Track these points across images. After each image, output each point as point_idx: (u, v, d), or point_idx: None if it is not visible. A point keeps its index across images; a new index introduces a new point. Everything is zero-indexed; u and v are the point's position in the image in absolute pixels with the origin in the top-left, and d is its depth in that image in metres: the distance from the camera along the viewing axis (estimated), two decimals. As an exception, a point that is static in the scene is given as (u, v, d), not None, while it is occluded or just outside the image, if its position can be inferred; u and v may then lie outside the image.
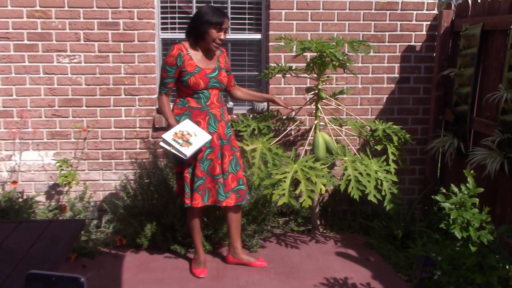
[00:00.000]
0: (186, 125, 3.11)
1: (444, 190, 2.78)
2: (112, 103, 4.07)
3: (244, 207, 3.65)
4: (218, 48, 3.21)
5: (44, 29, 3.91)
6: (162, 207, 3.64)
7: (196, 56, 3.15)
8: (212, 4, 4.06)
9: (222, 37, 3.12)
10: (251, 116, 4.11)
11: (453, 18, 4.04)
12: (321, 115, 3.86)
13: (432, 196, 2.97)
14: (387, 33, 4.17)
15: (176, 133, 3.06)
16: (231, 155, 3.25)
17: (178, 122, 3.16)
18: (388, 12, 4.13)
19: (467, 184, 2.73)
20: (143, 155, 4.12)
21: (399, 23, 4.16)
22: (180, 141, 3.04)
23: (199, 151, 3.12)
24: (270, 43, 4.08)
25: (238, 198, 3.28)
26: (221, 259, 3.56)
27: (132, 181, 3.91)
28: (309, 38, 4.07)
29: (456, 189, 2.75)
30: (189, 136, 3.06)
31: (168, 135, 3.06)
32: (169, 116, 3.17)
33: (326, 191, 4.18)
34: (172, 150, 3.06)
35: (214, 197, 3.24)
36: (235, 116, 4.11)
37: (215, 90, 3.21)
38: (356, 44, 3.59)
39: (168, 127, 3.22)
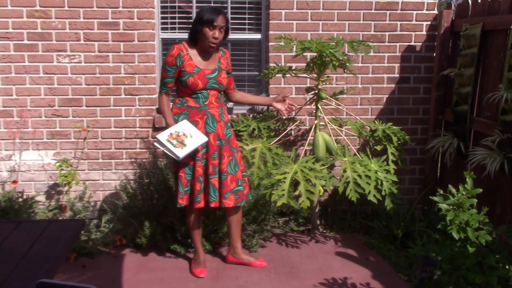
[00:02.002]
0: (183, 126, 3.11)
1: (441, 192, 2.78)
2: (112, 103, 4.07)
3: (243, 207, 3.65)
4: (215, 48, 3.17)
5: (44, 29, 3.91)
6: (162, 207, 3.64)
7: (196, 57, 3.15)
8: (211, 5, 4.07)
9: (216, 35, 3.07)
10: (251, 116, 4.11)
11: (453, 18, 4.04)
12: (321, 115, 3.86)
13: (430, 197, 2.97)
14: (387, 33, 4.16)
15: (171, 134, 3.06)
16: (230, 156, 3.25)
17: (176, 121, 3.16)
18: (388, 12, 4.13)
19: (465, 185, 2.73)
20: (143, 155, 4.12)
21: (399, 23, 4.16)
22: (174, 142, 3.04)
23: (195, 151, 3.12)
24: (270, 43, 4.08)
25: (237, 200, 3.26)
26: (221, 258, 3.57)
27: (132, 181, 3.91)
28: (309, 38, 4.07)
29: (454, 190, 2.75)
30: (184, 137, 3.06)
31: (162, 136, 3.06)
32: (167, 115, 3.18)
33: (326, 191, 4.18)
34: (165, 151, 3.07)
35: (205, 198, 3.23)
36: (235, 116, 4.11)
37: (214, 91, 3.20)
38: (356, 44, 3.59)
39: (166, 127, 3.22)
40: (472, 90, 3.62)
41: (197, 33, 3.09)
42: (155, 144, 3.11)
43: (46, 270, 1.86)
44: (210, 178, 3.19)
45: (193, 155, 3.14)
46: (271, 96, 4.15)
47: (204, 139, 3.11)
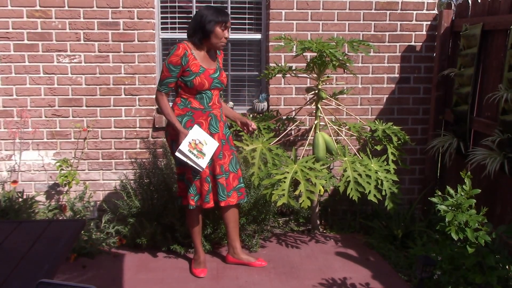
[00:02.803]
0: (197, 133, 3.10)
1: (440, 193, 2.78)
2: (112, 103, 4.07)
3: (243, 207, 3.65)
4: (223, 48, 3.23)
5: (44, 29, 3.91)
6: (162, 207, 3.64)
7: (199, 56, 3.15)
8: (212, 5, 4.07)
9: (227, 35, 3.14)
10: (251, 116, 4.11)
11: (453, 18, 4.04)
12: (321, 115, 3.86)
13: (429, 198, 2.97)
14: (387, 33, 4.16)
15: (190, 143, 3.06)
16: (230, 155, 3.27)
17: (179, 123, 3.15)
18: (388, 12, 4.13)
19: (464, 186, 2.73)
20: (143, 155, 4.12)
21: (399, 23, 4.16)
22: (195, 152, 3.05)
23: None
24: (270, 43, 4.08)
25: (240, 196, 3.31)
26: (221, 259, 3.57)
27: (132, 181, 3.91)
28: (309, 38, 4.07)
29: (452, 191, 2.75)
30: (201, 146, 3.07)
31: (184, 146, 3.04)
32: (174, 118, 3.11)
33: (326, 191, 4.18)
34: (189, 162, 3.06)
35: (214, 197, 3.24)
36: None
37: (217, 91, 3.22)
38: (356, 44, 3.59)
39: (167, 127, 3.22)
40: (472, 90, 3.62)
41: (209, 33, 3.09)
42: (177, 154, 3.06)
43: (46, 270, 1.87)
44: (218, 178, 3.20)
45: None
46: (271, 96, 4.15)
47: (216, 144, 3.13)
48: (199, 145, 3.06)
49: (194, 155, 3.05)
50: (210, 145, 3.11)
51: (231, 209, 3.35)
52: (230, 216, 3.37)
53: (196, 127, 3.12)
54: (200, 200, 3.22)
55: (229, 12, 4.13)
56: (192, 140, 3.07)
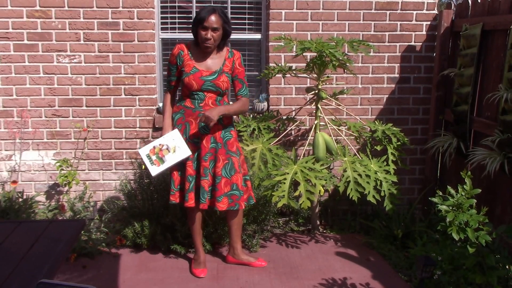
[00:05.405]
0: (170, 138, 3.12)
1: (441, 193, 2.79)
2: (112, 103, 4.07)
3: (244, 208, 3.64)
4: (212, 49, 3.11)
5: (44, 29, 3.91)
6: (162, 207, 3.64)
7: (197, 57, 3.13)
8: (212, 5, 4.06)
9: (208, 36, 3.01)
10: (251, 116, 4.11)
11: (453, 18, 4.04)
12: (321, 115, 3.86)
13: (430, 198, 2.97)
14: (387, 33, 4.16)
15: (154, 147, 3.11)
16: (226, 159, 3.19)
17: (173, 120, 3.20)
18: (388, 12, 4.13)
19: (464, 186, 2.73)
20: (143, 155, 4.11)
21: (399, 23, 4.16)
22: (154, 157, 3.10)
23: (186, 158, 3.14)
24: (270, 43, 4.08)
25: (231, 203, 3.21)
26: (221, 259, 3.57)
27: (132, 181, 3.91)
28: (309, 38, 4.07)
29: (453, 191, 2.76)
30: (166, 152, 3.09)
31: (144, 150, 3.14)
32: (165, 116, 3.25)
33: (326, 191, 4.18)
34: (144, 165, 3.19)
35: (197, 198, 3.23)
36: (235, 117, 4.10)
37: (212, 94, 3.14)
38: (356, 44, 3.59)
39: (162, 129, 3.24)
40: (472, 90, 3.62)
41: (194, 33, 3.11)
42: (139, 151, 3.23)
43: (46, 270, 1.86)
44: (200, 180, 3.17)
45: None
46: (271, 96, 4.15)
47: (188, 153, 3.11)
48: (163, 151, 3.09)
49: (151, 160, 3.10)
50: (178, 154, 3.10)
51: (235, 212, 3.33)
52: (233, 218, 3.36)
53: (175, 131, 3.14)
54: (180, 198, 3.22)
55: (229, 12, 4.13)
56: (160, 144, 3.12)
